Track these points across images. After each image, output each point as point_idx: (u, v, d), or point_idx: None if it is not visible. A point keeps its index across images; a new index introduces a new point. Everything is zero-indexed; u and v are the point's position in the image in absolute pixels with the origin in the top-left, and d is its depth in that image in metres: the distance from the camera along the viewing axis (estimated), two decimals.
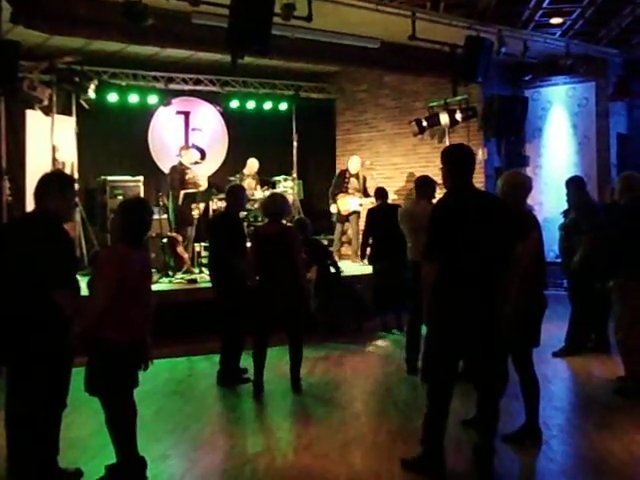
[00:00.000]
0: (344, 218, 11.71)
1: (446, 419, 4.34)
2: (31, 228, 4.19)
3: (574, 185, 7.69)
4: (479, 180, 11.42)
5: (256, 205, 11.25)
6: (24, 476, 4.17)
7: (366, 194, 11.67)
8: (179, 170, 10.33)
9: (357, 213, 11.63)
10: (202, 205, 10.16)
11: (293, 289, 6.39)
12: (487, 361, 4.32)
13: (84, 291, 4.38)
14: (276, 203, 6.62)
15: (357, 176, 11.79)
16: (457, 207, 4.31)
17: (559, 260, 7.91)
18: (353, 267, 10.89)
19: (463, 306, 4.19)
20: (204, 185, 10.52)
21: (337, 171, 12.50)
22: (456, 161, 4.45)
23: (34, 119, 9.64)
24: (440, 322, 4.27)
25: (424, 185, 6.88)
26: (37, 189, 4.28)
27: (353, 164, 11.84)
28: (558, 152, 12.43)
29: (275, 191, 10.62)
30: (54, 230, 4.18)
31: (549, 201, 11.74)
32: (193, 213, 10.09)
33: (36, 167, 9.62)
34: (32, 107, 9.39)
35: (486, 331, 4.25)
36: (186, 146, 11.23)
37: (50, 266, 4.04)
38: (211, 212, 11.04)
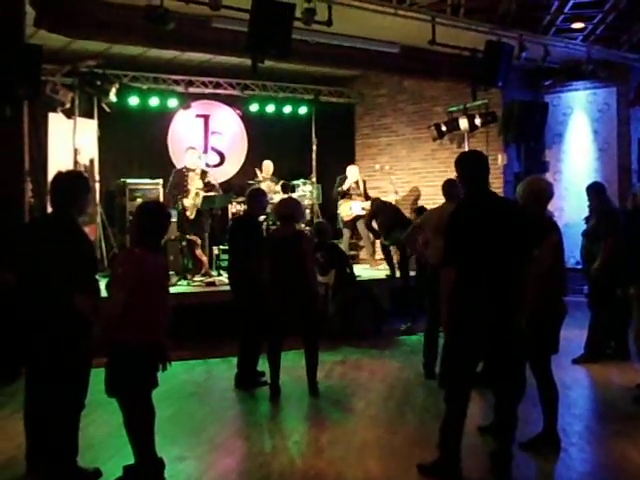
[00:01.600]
0: (350, 224, 11.70)
1: (463, 424, 4.33)
2: (49, 230, 4.23)
3: (594, 191, 7.65)
4: (498, 186, 11.38)
5: None
6: (43, 476, 4.21)
7: (367, 197, 11.73)
8: (179, 174, 10.33)
9: (362, 217, 11.62)
10: (192, 206, 10.11)
11: (305, 292, 6.41)
12: (505, 366, 4.31)
13: (103, 293, 4.41)
14: (288, 206, 6.65)
15: (357, 182, 11.84)
16: (473, 212, 4.30)
17: (580, 266, 7.87)
18: (370, 271, 10.90)
19: (481, 310, 4.18)
20: (197, 192, 10.33)
21: (364, 174, 12.53)
22: (468, 167, 4.46)
23: (56, 122, 9.73)
24: (458, 326, 4.27)
25: (451, 188, 6.83)
26: (50, 191, 4.34)
27: (351, 173, 11.90)
28: (578, 158, 12.34)
29: (292, 195, 10.63)
30: (72, 232, 4.22)
31: (569, 207, 11.67)
32: (187, 214, 10.08)
33: (58, 169, 9.72)
34: (54, 110, 9.49)
35: (504, 336, 4.24)
36: (191, 146, 11.21)
37: (68, 269, 4.08)
38: (230, 215, 11.12)
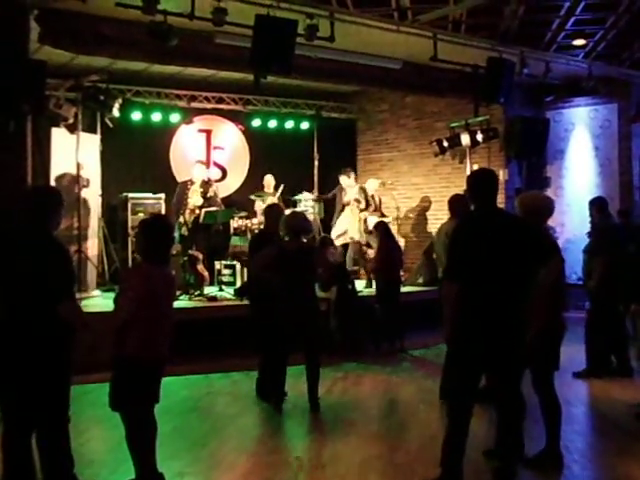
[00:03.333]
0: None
1: (465, 440, 4.30)
2: (34, 243, 4.18)
3: (596, 206, 7.66)
4: (499, 201, 11.21)
5: None
6: None
7: (382, 214, 11.80)
8: (182, 188, 10.40)
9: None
10: (189, 218, 10.13)
11: (313, 306, 6.44)
12: (508, 382, 4.30)
13: (109, 307, 4.41)
14: (298, 221, 6.65)
15: (373, 196, 11.88)
16: (477, 228, 4.32)
17: (581, 282, 7.86)
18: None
19: (483, 326, 4.18)
20: (194, 208, 10.30)
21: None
22: (476, 184, 4.50)
23: (59, 137, 9.76)
24: (461, 342, 4.26)
25: (456, 203, 6.84)
26: (32, 205, 4.28)
27: (371, 186, 11.94)
28: (580, 174, 12.36)
29: (296, 209, 10.63)
30: (56, 244, 4.22)
31: (571, 223, 11.69)
32: (182, 229, 10.12)
33: (60, 184, 9.74)
34: (58, 125, 9.51)
35: (506, 352, 4.23)
36: (199, 160, 11.25)
37: (57, 279, 4.06)
38: (232, 230, 11.13)
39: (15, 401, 4.06)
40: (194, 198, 10.28)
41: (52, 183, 9.64)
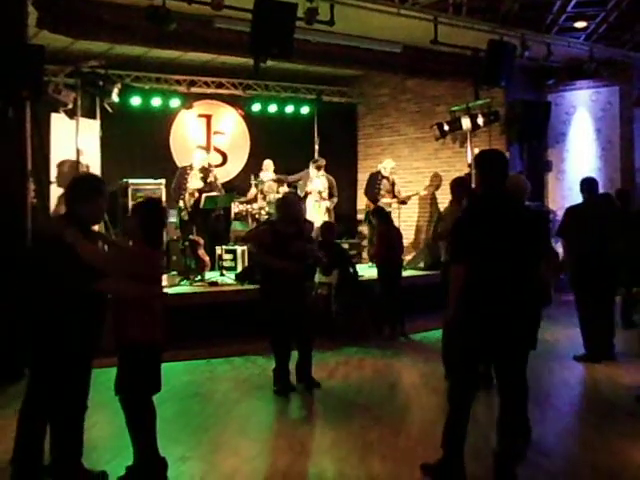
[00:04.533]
0: None
1: (466, 423, 4.31)
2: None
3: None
4: None
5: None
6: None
7: (394, 196, 11.76)
8: (181, 173, 10.38)
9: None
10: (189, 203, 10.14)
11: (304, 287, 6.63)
12: (514, 366, 4.30)
13: None
14: (293, 205, 6.68)
15: (388, 178, 11.84)
16: (483, 212, 4.28)
17: None
18: (373, 271, 10.87)
19: (491, 309, 4.16)
20: (193, 192, 10.32)
21: (367, 174, 12.49)
22: (486, 165, 4.41)
23: (59, 122, 9.73)
24: (465, 325, 4.25)
25: (458, 187, 6.76)
26: (66, 193, 4.33)
27: (387, 166, 11.92)
28: (581, 157, 12.33)
29: (287, 192, 10.47)
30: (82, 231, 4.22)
31: None
32: (182, 214, 10.13)
33: (60, 170, 9.73)
34: (57, 110, 9.49)
35: (515, 334, 4.22)
36: (200, 145, 11.23)
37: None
38: (233, 215, 11.12)
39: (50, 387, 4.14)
40: (193, 182, 10.29)
41: (52, 169, 9.64)
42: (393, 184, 12.00)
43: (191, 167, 10.47)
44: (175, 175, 10.54)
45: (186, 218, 10.22)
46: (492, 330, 4.20)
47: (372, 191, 11.86)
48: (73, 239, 3.98)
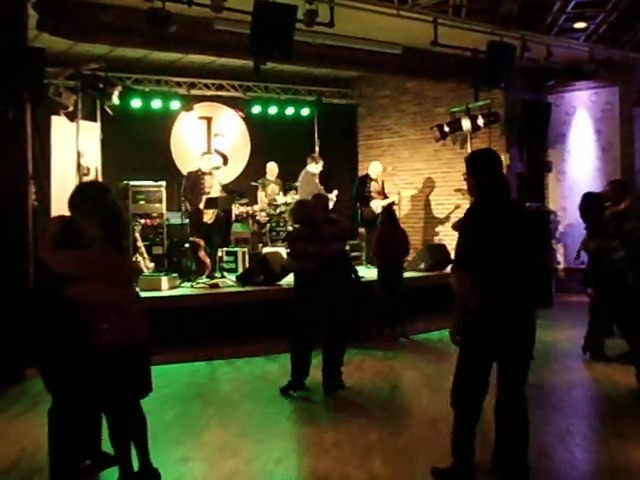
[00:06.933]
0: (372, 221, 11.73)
1: (475, 432, 4.21)
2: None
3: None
4: None
5: (279, 210, 11.31)
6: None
7: (385, 197, 11.80)
8: (193, 177, 10.35)
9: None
10: (212, 211, 10.15)
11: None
12: (517, 374, 4.24)
13: None
14: (307, 210, 6.69)
15: (377, 180, 11.87)
16: (486, 216, 4.17)
17: (583, 266, 7.87)
18: (372, 272, 10.88)
19: (498, 316, 4.10)
20: (216, 193, 10.39)
21: (358, 176, 12.52)
22: (489, 166, 4.28)
23: (59, 125, 9.75)
24: (475, 332, 4.15)
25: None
26: (68, 200, 4.30)
27: (374, 169, 11.91)
28: (582, 158, 12.34)
29: (303, 198, 10.52)
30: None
31: (572, 206, 11.61)
32: (204, 219, 10.12)
33: (61, 172, 9.74)
34: (57, 113, 9.50)
35: (520, 342, 4.17)
36: (207, 151, 11.26)
37: None
38: (234, 217, 11.13)
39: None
40: (215, 185, 10.30)
41: (52, 171, 9.65)
42: (383, 185, 12.02)
43: (202, 172, 10.39)
44: (186, 179, 10.41)
45: (200, 222, 10.14)
46: (502, 335, 4.10)
47: (360, 193, 11.80)
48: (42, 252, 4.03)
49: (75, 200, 4.20)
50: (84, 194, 4.29)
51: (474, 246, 4.11)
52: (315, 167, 11.55)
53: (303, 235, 6.58)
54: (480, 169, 4.29)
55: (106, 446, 4.37)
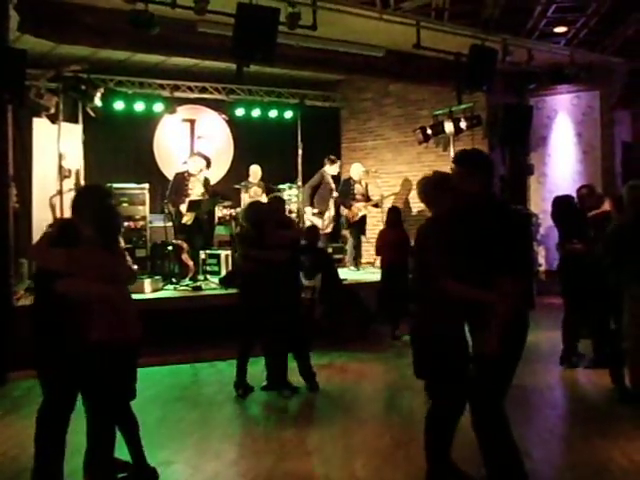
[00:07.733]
0: (356, 224, 11.77)
1: (452, 438, 4.16)
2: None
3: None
4: None
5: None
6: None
7: (368, 199, 11.86)
8: (179, 178, 10.35)
9: (364, 218, 11.74)
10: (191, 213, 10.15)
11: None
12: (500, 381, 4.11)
13: None
14: (256, 212, 6.73)
15: (360, 182, 11.90)
16: (466, 223, 4.04)
17: None
18: (355, 275, 10.93)
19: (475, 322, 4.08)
20: (198, 196, 10.38)
21: (342, 179, 12.56)
22: (484, 167, 4.18)
23: (41, 127, 9.70)
24: (451, 339, 4.10)
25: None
26: (71, 200, 4.45)
27: (355, 171, 11.96)
28: (563, 161, 12.44)
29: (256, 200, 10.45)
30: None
31: None
32: (182, 220, 10.11)
33: (43, 175, 9.69)
34: (39, 115, 9.44)
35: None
36: (194, 153, 11.26)
37: None
38: (216, 219, 11.11)
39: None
40: (197, 188, 10.28)
41: (34, 174, 9.60)
42: (367, 188, 12.07)
43: (189, 173, 10.41)
44: (173, 179, 10.44)
45: (177, 223, 10.14)
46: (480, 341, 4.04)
47: (346, 196, 11.85)
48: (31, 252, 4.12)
49: (76, 201, 4.39)
50: (85, 196, 4.47)
51: (452, 254, 3.98)
52: (331, 168, 11.69)
53: (249, 237, 6.61)
54: (481, 169, 4.17)
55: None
